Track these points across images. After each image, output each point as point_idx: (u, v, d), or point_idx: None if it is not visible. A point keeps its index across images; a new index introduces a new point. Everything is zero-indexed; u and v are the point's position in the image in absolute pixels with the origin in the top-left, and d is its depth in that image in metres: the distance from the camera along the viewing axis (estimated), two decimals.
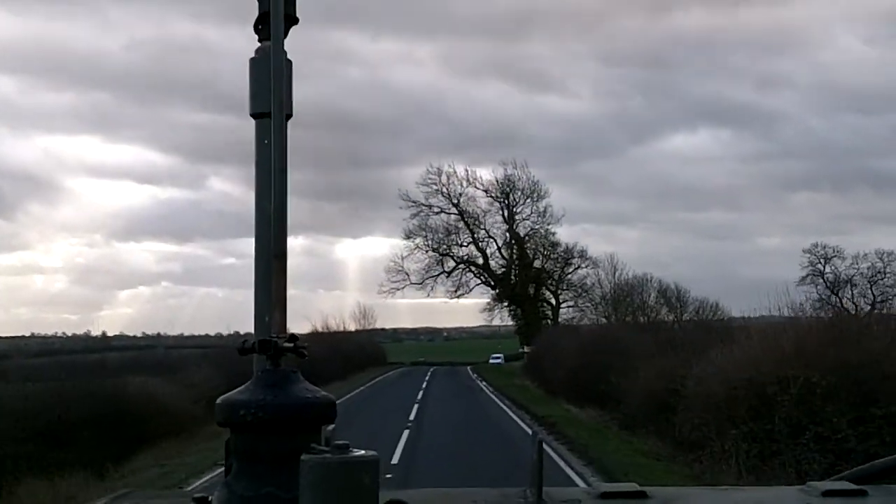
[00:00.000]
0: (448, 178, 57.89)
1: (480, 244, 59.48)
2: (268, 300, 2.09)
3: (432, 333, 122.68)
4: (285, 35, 2.22)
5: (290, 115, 2.20)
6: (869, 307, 43.69)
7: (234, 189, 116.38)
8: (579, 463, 16.11)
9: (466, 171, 59.69)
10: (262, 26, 2.24)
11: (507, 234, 59.71)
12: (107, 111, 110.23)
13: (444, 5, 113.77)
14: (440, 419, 24.74)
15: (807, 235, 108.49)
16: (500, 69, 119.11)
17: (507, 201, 59.38)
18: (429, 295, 60.06)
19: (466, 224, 58.44)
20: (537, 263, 62.15)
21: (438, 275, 58.98)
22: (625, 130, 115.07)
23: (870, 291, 47.82)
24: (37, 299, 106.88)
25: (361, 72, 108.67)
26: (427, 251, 58.55)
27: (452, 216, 58.20)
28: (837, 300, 46.38)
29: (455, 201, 57.86)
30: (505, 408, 29.45)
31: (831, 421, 13.68)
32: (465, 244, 58.90)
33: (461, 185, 58.39)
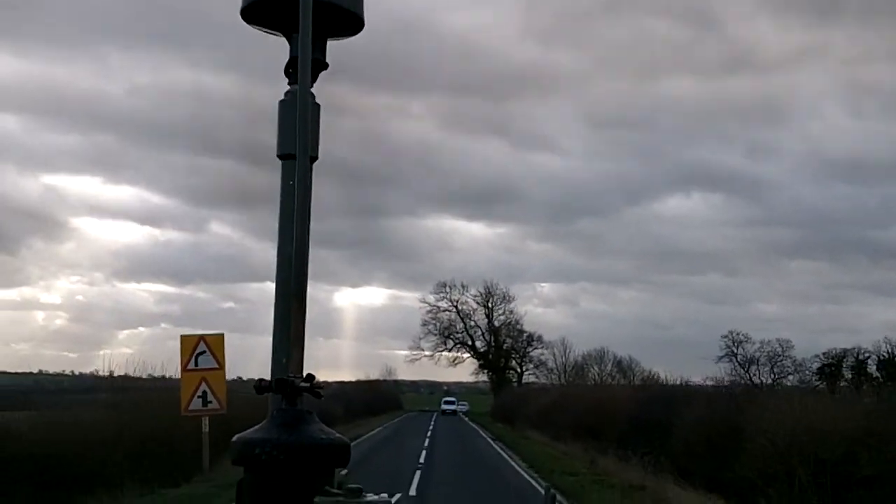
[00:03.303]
0: (450, 290, 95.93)
1: (470, 331, 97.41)
2: (286, 340, 2.22)
3: (433, 386, 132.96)
4: (314, 79, 2.39)
5: (315, 158, 2.36)
6: (771, 381, 55.00)
7: (234, 234, 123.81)
8: (486, 431, 54.38)
9: (462, 284, 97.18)
10: (292, 70, 2.42)
11: (488, 325, 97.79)
12: (109, 153, 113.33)
13: (435, 65, 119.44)
14: (444, 426, 62.38)
15: (805, 303, 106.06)
16: (493, 126, 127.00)
17: (488, 304, 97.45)
18: (437, 363, 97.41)
19: (461, 319, 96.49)
20: (508, 343, 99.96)
21: (442, 350, 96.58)
22: (619, 191, 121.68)
23: (771, 371, 57.60)
24: (35, 335, 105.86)
25: (357, 123, 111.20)
26: (436, 334, 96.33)
27: (453, 314, 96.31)
28: (748, 375, 57.36)
29: (455, 304, 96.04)
30: (471, 423, 67.38)
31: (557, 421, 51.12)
32: (460, 332, 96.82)
33: (459, 293, 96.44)
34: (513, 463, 30.90)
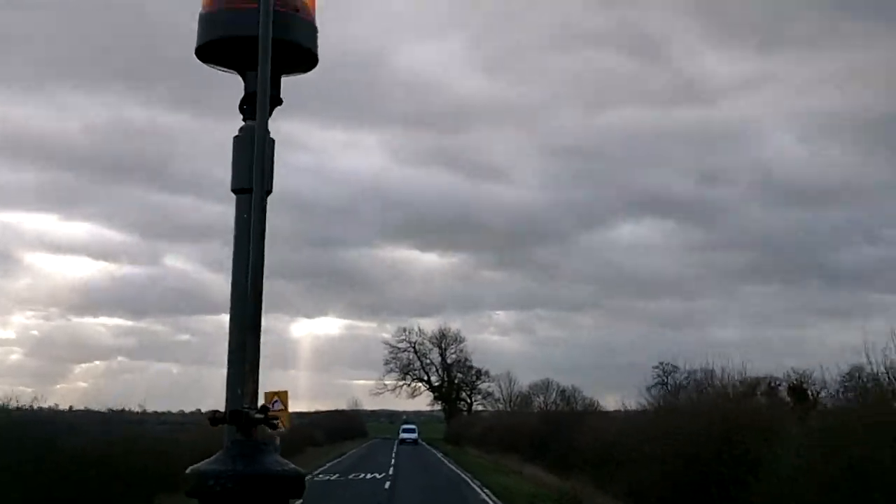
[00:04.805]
0: (409, 333, 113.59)
1: (426, 368, 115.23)
2: (240, 372, 2.28)
3: (393, 415, 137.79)
4: (270, 115, 2.51)
5: (270, 192, 2.46)
6: None
7: (189, 267, 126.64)
8: (436, 449, 72.37)
9: (418, 328, 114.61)
10: (247, 106, 2.54)
11: (441, 363, 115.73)
12: (65, 189, 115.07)
13: (386, 99, 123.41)
14: (405, 448, 79.90)
15: (760, 327, 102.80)
16: (446, 158, 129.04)
17: (441, 344, 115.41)
18: (397, 396, 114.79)
19: (418, 357, 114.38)
20: (459, 378, 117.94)
21: (403, 385, 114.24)
22: (573, 218, 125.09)
23: (697, 397, 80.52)
24: None
25: (311, 158, 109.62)
26: (397, 371, 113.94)
27: (411, 354, 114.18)
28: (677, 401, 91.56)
29: (413, 346, 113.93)
30: (426, 444, 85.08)
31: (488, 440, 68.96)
32: (417, 369, 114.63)
33: (417, 336, 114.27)
34: (450, 464, 49.05)
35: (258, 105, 2.35)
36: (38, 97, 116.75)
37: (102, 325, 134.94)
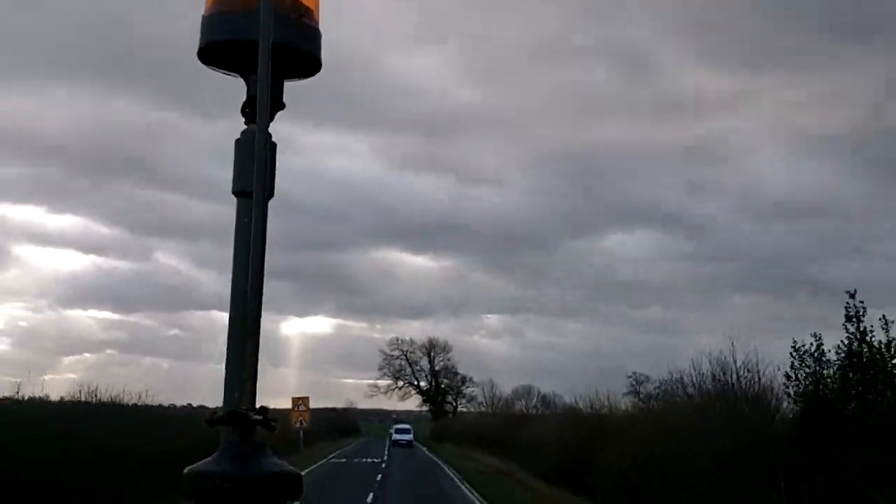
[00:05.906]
0: (401, 342, 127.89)
1: (416, 374, 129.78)
2: (239, 373, 2.29)
3: (383, 415, 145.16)
4: (271, 119, 2.52)
5: (271, 196, 2.48)
6: None
7: (179, 264, 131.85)
8: (422, 445, 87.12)
9: (410, 339, 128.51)
10: (249, 109, 2.57)
11: (430, 370, 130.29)
12: (53, 182, 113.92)
13: (376, 104, 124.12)
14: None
15: (748, 335, 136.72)
16: (436, 163, 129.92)
17: (430, 352, 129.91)
18: (389, 398, 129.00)
19: (409, 364, 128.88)
20: (446, 383, 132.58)
21: (394, 388, 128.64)
22: (561, 226, 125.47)
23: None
24: None
25: (302, 159, 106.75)
26: (389, 376, 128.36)
27: (403, 361, 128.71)
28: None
29: (404, 353, 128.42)
30: (417, 443, 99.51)
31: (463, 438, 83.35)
32: (408, 375, 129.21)
33: (409, 345, 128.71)
34: (430, 455, 63.84)
35: (259, 109, 2.39)
36: (26, 89, 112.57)
37: (92, 317, 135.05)
